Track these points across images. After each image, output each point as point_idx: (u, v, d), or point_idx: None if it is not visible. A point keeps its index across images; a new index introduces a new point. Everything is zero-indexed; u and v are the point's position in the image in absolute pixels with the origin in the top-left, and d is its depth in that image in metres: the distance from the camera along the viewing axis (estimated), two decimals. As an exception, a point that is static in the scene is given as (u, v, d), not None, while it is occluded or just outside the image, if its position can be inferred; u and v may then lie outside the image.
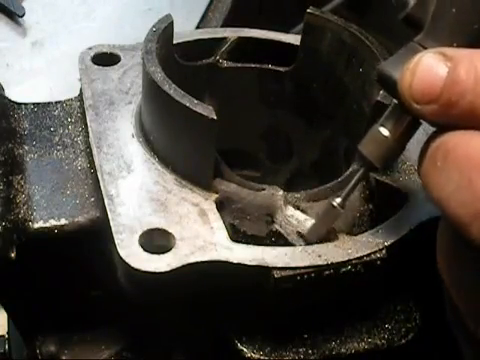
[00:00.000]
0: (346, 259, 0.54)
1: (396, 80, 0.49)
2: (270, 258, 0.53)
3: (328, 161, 0.71)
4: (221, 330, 0.57)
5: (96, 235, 0.57)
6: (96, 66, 0.68)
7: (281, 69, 0.71)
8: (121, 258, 0.51)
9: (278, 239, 0.58)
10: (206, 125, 0.55)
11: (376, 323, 0.59)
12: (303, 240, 0.57)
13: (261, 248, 0.54)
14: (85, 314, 0.62)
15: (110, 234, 0.54)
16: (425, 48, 0.49)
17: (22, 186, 0.59)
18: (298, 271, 0.53)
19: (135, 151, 0.61)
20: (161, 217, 0.55)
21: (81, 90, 0.66)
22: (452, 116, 0.46)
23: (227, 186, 0.59)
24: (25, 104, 0.67)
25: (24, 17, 1.01)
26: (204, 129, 0.55)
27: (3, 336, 0.79)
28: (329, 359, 0.57)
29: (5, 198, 0.58)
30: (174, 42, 0.66)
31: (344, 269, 0.53)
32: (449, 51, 0.47)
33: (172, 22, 0.64)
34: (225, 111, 0.62)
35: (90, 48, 0.69)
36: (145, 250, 0.52)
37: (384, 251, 0.55)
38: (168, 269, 0.51)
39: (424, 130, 0.51)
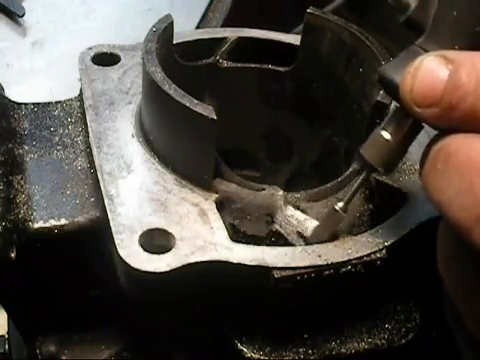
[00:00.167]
0: (346, 259, 0.54)
1: (397, 83, 0.49)
2: (270, 258, 0.53)
3: (328, 161, 0.71)
4: (221, 330, 0.57)
5: (96, 235, 0.57)
6: (96, 66, 0.68)
7: (281, 69, 0.71)
8: (121, 258, 0.51)
9: (278, 239, 0.58)
10: (206, 125, 0.55)
11: (376, 323, 0.59)
12: (303, 240, 0.57)
13: (261, 248, 0.54)
14: (85, 314, 0.62)
15: (110, 234, 0.54)
16: (426, 51, 0.49)
17: (22, 186, 0.59)
18: (298, 271, 0.53)
19: (135, 151, 0.61)
20: (161, 217, 0.55)
21: (81, 90, 0.66)
22: (453, 119, 0.46)
23: (227, 186, 0.59)
24: (25, 104, 0.67)
25: (24, 17, 1.01)
26: (204, 129, 0.55)
27: (3, 336, 0.79)
28: (329, 359, 0.57)
29: (5, 198, 0.58)
30: (174, 42, 0.66)
31: (344, 269, 0.53)
32: (450, 54, 0.47)
33: (172, 22, 0.64)
34: (225, 111, 0.62)
35: (90, 48, 0.69)
36: (145, 250, 0.52)
37: (384, 251, 0.55)
38: (168, 269, 0.51)
39: (426, 132, 0.51)
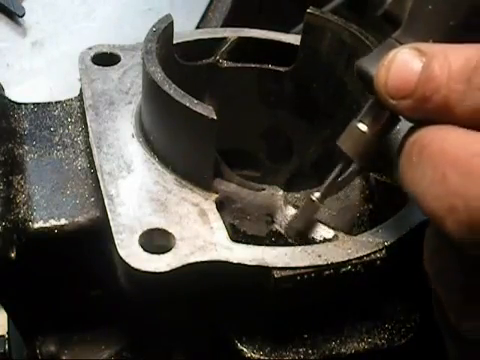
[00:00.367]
0: (346, 259, 0.54)
1: (372, 76, 0.49)
2: (270, 258, 0.53)
3: (328, 161, 0.71)
4: (221, 330, 0.57)
5: (96, 235, 0.57)
6: (96, 66, 0.68)
7: (281, 69, 0.71)
8: (121, 258, 0.51)
9: (278, 239, 0.58)
10: (206, 125, 0.55)
11: (376, 323, 0.59)
12: (303, 240, 0.57)
13: (261, 248, 0.54)
14: (85, 314, 0.62)
15: (110, 234, 0.54)
16: (402, 44, 0.50)
17: (22, 186, 0.59)
18: (298, 271, 0.53)
19: (135, 151, 0.61)
20: (161, 217, 0.55)
21: (81, 90, 0.66)
22: (427, 111, 0.46)
23: (227, 186, 0.59)
24: (25, 104, 0.67)
25: (24, 17, 1.01)
26: (204, 129, 0.55)
27: (3, 336, 0.79)
28: (329, 359, 0.57)
29: (5, 198, 0.58)
30: (174, 42, 0.66)
31: (344, 269, 0.53)
32: (424, 46, 0.47)
33: (172, 22, 0.64)
34: (225, 111, 0.62)
35: (90, 48, 0.69)
36: (145, 250, 0.52)
37: (384, 251, 0.55)
38: (168, 269, 0.51)
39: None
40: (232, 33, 0.71)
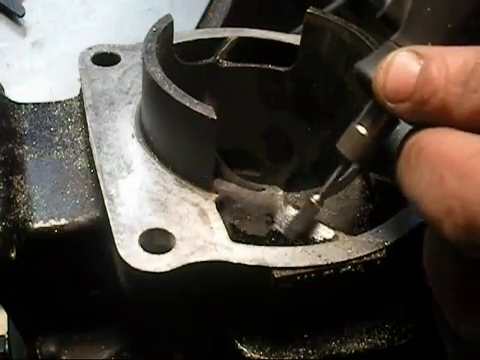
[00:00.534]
0: (346, 259, 0.54)
1: (371, 79, 0.49)
2: (270, 258, 0.53)
3: (328, 161, 0.71)
4: (221, 330, 0.57)
5: (96, 235, 0.57)
6: (96, 66, 0.68)
7: (281, 69, 0.71)
8: (121, 258, 0.51)
9: (278, 239, 0.58)
10: (206, 125, 0.55)
11: (376, 323, 0.59)
12: (303, 240, 0.57)
13: (261, 248, 0.54)
14: (85, 314, 0.62)
15: (110, 234, 0.54)
16: (400, 47, 0.50)
17: (22, 186, 0.59)
18: (298, 271, 0.53)
19: (135, 151, 0.61)
20: (161, 217, 0.55)
21: (81, 90, 0.66)
22: (425, 114, 0.46)
23: (227, 186, 0.59)
24: (25, 104, 0.66)
25: (24, 17, 1.01)
26: (204, 129, 0.55)
27: (3, 336, 0.79)
28: (329, 359, 0.57)
29: (5, 198, 0.58)
30: (174, 42, 0.66)
31: (344, 269, 0.53)
32: (422, 49, 0.47)
33: (172, 22, 0.64)
34: (225, 111, 0.62)
35: (90, 48, 0.69)
36: (145, 250, 0.52)
37: (384, 251, 0.55)
38: (168, 269, 0.51)
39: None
40: (232, 33, 0.71)
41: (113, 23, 1.04)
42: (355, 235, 0.56)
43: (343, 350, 0.57)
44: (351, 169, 0.55)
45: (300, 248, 0.54)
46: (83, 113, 0.65)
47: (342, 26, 0.66)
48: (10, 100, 0.66)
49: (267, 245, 0.55)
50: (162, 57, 0.60)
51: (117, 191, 0.57)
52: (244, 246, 0.54)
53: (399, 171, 0.48)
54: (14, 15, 1.01)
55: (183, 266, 0.51)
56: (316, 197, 0.55)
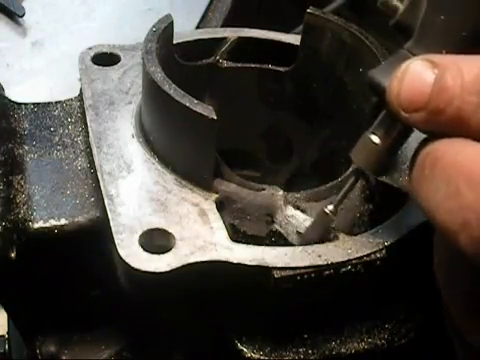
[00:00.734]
0: (346, 259, 0.54)
1: (385, 88, 0.49)
2: (270, 258, 0.53)
3: (328, 161, 0.71)
4: (221, 330, 0.57)
5: (96, 235, 0.57)
6: (96, 66, 0.68)
7: (281, 69, 0.71)
8: (121, 258, 0.51)
9: (278, 239, 0.58)
10: (206, 125, 0.55)
11: (376, 323, 0.59)
12: (300, 237, 0.57)
13: (261, 248, 0.54)
14: (85, 314, 0.62)
15: (110, 234, 0.54)
16: (414, 55, 0.49)
17: (22, 186, 0.59)
18: (298, 271, 0.53)
19: (135, 151, 0.61)
20: (161, 217, 0.55)
21: (81, 90, 0.66)
22: (440, 123, 0.45)
23: (227, 186, 0.59)
24: (25, 104, 0.66)
25: (24, 17, 1.01)
26: (204, 129, 0.55)
27: (3, 336, 0.79)
28: (329, 359, 0.57)
29: (5, 198, 0.58)
30: (174, 42, 0.66)
31: (344, 269, 0.53)
32: (436, 58, 0.47)
33: (172, 22, 0.64)
34: (225, 111, 0.62)
35: (90, 48, 0.69)
36: (145, 250, 0.52)
37: (384, 251, 0.55)
38: (168, 269, 0.51)
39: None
40: (232, 33, 0.71)
41: (113, 23, 1.04)
42: (355, 235, 0.56)
43: (343, 350, 0.57)
44: (353, 177, 0.55)
45: (300, 248, 0.54)
46: (83, 113, 0.65)
47: (342, 26, 0.66)
48: (10, 100, 0.66)
49: (267, 245, 0.55)
50: (162, 57, 0.60)
51: (117, 191, 0.57)
52: (244, 246, 0.54)
53: (412, 180, 0.47)
54: (14, 15, 1.01)
55: (183, 266, 0.51)
56: (330, 207, 0.55)
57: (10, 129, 0.63)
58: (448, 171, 0.44)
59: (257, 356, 0.56)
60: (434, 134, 0.47)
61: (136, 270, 0.51)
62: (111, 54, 0.69)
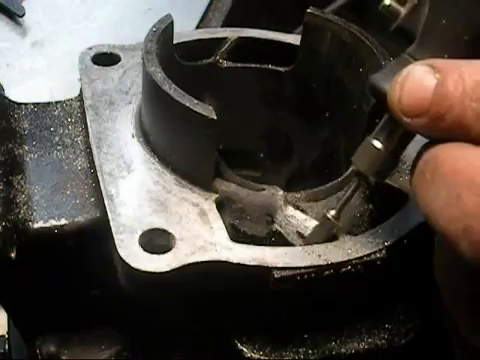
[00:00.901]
0: (346, 259, 0.54)
1: (386, 93, 0.48)
2: (270, 258, 0.53)
3: (328, 161, 0.71)
4: (221, 330, 0.57)
5: (96, 235, 0.57)
6: (96, 66, 0.68)
7: (281, 69, 0.71)
8: (121, 258, 0.51)
9: (278, 239, 0.58)
10: (206, 125, 0.55)
11: (376, 323, 0.59)
12: (303, 240, 0.57)
13: (261, 248, 0.54)
14: (85, 314, 0.62)
15: (110, 234, 0.54)
16: (416, 59, 0.49)
17: (22, 186, 0.59)
18: (298, 271, 0.53)
19: (135, 151, 0.61)
20: (161, 217, 0.55)
21: (81, 90, 0.66)
22: (441, 129, 0.45)
23: (227, 186, 0.59)
24: (25, 104, 0.66)
25: (24, 17, 1.01)
26: (204, 129, 0.55)
27: (3, 336, 0.79)
28: (329, 359, 0.57)
29: (5, 198, 0.58)
30: (174, 42, 0.66)
31: (344, 269, 0.53)
32: (438, 63, 0.46)
33: (172, 22, 0.64)
34: (225, 111, 0.62)
35: (90, 48, 0.69)
36: (145, 250, 0.52)
37: (384, 251, 0.55)
38: (168, 269, 0.51)
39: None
40: (232, 33, 0.71)
41: (113, 23, 1.04)
42: (355, 235, 0.56)
43: (343, 350, 0.57)
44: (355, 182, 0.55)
45: (300, 248, 0.54)
46: (83, 113, 0.65)
47: (342, 26, 0.66)
48: (10, 100, 0.66)
49: (267, 245, 0.55)
50: (162, 57, 0.60)
51: (117, 191, 0.57)
52: (244, 246, 0.54)
53: (414, 186, 0.47)
54: (14, 15, 1.01)
55: (183, 266, 0.51)
56: (332, 212, 0.55)
57: (10, 129, 0.63)
58: (448, 178, 0.44)
59: (257, 356, 0.56)
60: (436, 139, 0.46)
61: (136, 270, 0.51)
62: (111, 54, 0.69)
